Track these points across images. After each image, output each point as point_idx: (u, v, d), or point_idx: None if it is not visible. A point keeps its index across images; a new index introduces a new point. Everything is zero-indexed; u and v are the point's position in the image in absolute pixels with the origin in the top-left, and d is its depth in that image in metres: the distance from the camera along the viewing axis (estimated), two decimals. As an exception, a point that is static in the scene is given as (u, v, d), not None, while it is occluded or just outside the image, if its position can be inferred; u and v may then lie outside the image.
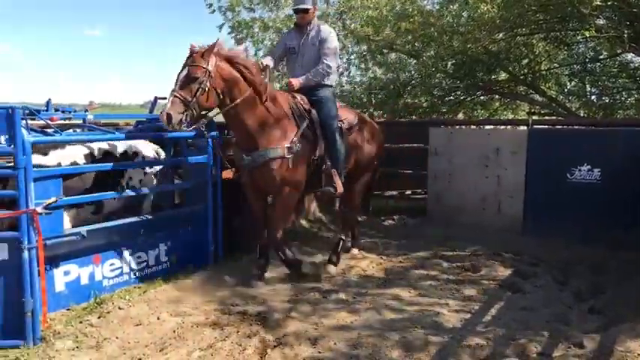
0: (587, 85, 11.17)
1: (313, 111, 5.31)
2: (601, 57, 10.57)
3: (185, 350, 3.84)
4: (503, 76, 11.29)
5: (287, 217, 5.48)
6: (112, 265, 4.82)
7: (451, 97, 11.54)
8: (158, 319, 4.35)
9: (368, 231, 7.55)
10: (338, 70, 5.60)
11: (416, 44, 10.33)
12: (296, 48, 5.50)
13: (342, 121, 5.57)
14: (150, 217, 5.23)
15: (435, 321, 4.42)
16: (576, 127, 8.09)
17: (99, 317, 4.28)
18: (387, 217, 8.26)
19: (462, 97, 11.62)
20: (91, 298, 4.59)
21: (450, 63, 10.27)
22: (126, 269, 4.94)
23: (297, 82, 5.37)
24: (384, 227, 7.88)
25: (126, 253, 4.93)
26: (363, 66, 11.78)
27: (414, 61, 10.76)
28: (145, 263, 5.12)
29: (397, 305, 4.80)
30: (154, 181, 5.53)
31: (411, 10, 9.58)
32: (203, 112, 4.79)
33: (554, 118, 10.41)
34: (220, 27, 11.69)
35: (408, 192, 8.81)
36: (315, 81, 5.39)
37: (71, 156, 4.79)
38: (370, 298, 4.97)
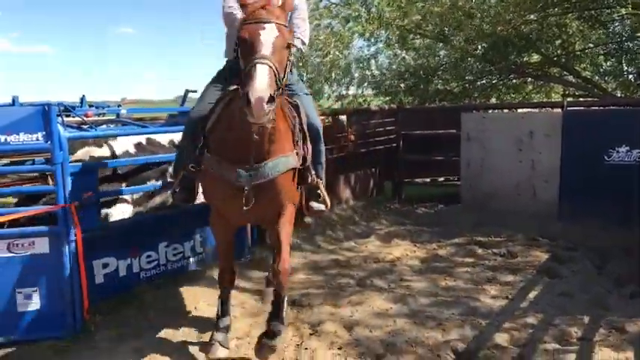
0: (624, 65, 10.83)
1: (299, 104, 3.72)
2: (638, 35, 10.24)
3: (223, 339, 3.88)
4: (535, 57, 11.07)
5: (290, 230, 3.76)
6: (148, 257, 4.89)
7: (483, 81, 11.37)
8: (195, 308, 4.42)
9: (401, 218, 7.52)
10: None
11: (445, 28, 10.18)
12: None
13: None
14: (183, 210, 5.28)
15: (471, 307, 4.39)
16: (613, 107, 7.88)
17: (137, 308, 4.36)
18: (419, 204, 8.20)
19: (493, 81, 11.43)
20: (129, 290, 4.67)
21: (480, 46, 10.10)
22: (162, 260, 5.01)
23: None
24: (417, 214, 7.83)
25: (162, 245, 4.99)
26: (391, 52, 11.67)
27: (443, 45, 10.61)
28: (181, 254, 5.18)
29: (433, 292, 4.78)
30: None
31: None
32: None
33: (589, 99, 10.15)
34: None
35: (441, 179, 8.75)
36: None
37: (123, 146, 4.89)
38: (405, 284, 4.96)
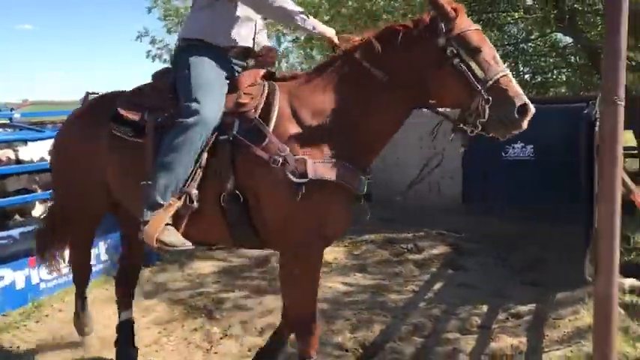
0: (520, 65, 11.48)
1: None
2: (532, 37, 10.88)
3: (129, 348, 3.78)
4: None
5: None
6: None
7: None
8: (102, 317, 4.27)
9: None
10: None
11: (353, 29, 10.36)
12: None
13: None
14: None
15: (379, 302, 4.51)
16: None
17: (37, 321, 4.17)
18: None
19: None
20: (28, 302, 4.45)
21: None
22: (64, 270, 4.79)
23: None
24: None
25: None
26: (301, 52, 11.78)
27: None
28: (85, 263, 4.99)
29: (343, 289, 4.87)
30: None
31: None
32: None
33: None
34: (149, 10, 11.46)
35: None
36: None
37: (35, 152, 4.65)
38: (316, 283, 5.01)
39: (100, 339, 3.84)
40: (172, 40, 13.09)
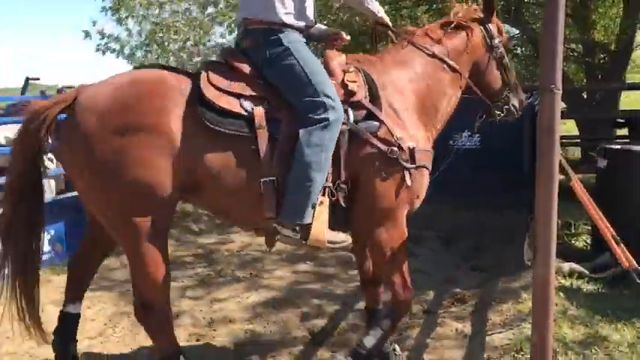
0: (469, 55, 11.68)
1: None
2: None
3: (72, 340, 3.69)
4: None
5: None
6: (-12, 259, 4.52)
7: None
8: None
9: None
10: None
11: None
12: None
13: None
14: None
15: (329, 290, 4.54)
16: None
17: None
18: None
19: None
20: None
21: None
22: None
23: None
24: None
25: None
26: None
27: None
28: (27, 254, 4.84)
29: (294, 278, 4.88)
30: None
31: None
32: None
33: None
34: (103, 9, 11.07)
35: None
36: None
37: None
38: (267, 273, 5.02)
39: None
40: (121, 31, 12.76)
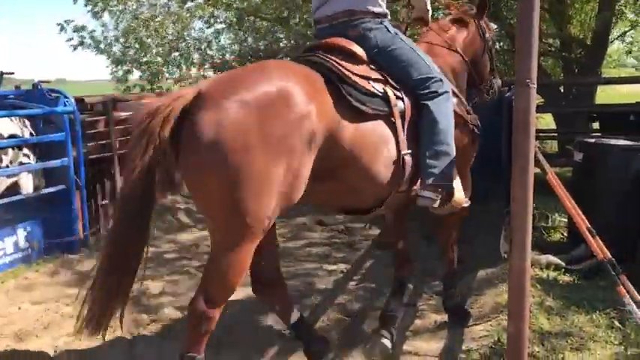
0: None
1: None
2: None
3: (50, 338, 3.65)
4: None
5: None
6: (-38, 255, 4.46)
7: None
8: (19, 308, 4.10)
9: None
10: None
11: (285, 11, 10.31)
12: None
13: None
14: (4, 201, 4.86)
15: (309, 283, 4.55)
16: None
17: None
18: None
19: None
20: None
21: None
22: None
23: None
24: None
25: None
26: (232, 34, 11.61)
27: (283, 28, 10.76)
28: (2, 251, 4.78)
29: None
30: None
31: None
32: None
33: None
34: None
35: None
36: None
37: None
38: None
39: (16, 332, 3.70)
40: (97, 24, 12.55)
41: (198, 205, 2.82)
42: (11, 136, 4.89)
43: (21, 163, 5.00)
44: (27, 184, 5.14)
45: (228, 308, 2.77)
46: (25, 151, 5.11)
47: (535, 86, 2.20)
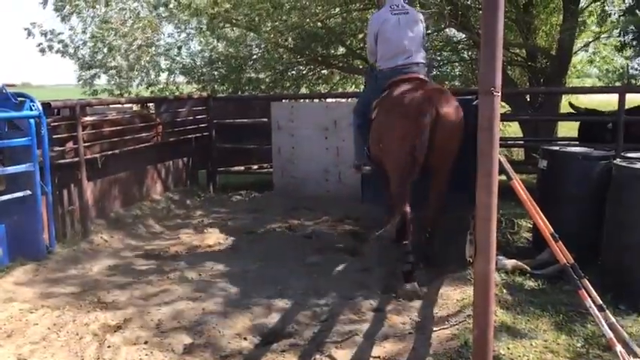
0: (418, 58, 11.88)
1: None
2: (428, 32, 11.29)
3: (14, 346, 3.58)
4: (341, 50, 11.66)
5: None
6: None
7: (293, 72, 11.72)
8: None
9: (215, 207, 7.53)
10: (374, 53, 5.28)
11: (256, 18, 10.30)
12: None
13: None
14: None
15: (278, 289, 4.54)
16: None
17: None
18: (234, 192, 8.26)
19: (303, 72, 11.85)
20: None
21: (290, 37, 10.40)
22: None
23: None
24: (232, 202, 7.88)
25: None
26: (202, 39, 11.55)
27: (254, 35, 10.76)
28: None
29: (242, 277, 4.86)
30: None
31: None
32: None
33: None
34: (44, 3, 10.68)
35: (255, 167, 8.90)
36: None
37: None
38: (216, 272, 4.99)
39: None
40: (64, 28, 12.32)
41: (441, 159, 4.67)
42: None
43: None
44: None
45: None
46: None
47: (499, 94, 2.26)
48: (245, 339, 3.71)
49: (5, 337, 3.69)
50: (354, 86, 12.91)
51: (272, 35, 9.92)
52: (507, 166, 3.55)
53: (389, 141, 4.74)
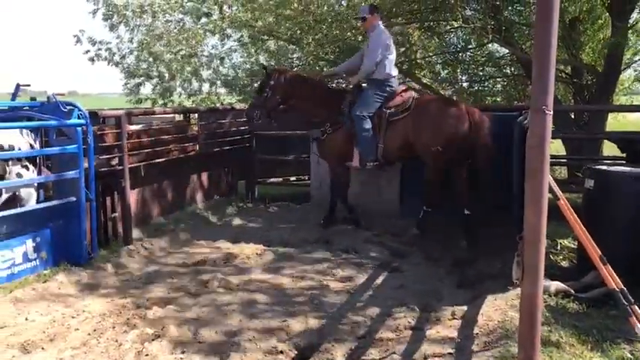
0: (459, 73, 11.80)
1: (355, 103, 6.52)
2: (470, 47, 11.20)
3: (56, 350, 3.64)
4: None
5: (333, 178, 7.08)
6: (-29, 264, 4.47)
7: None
8: (26, 319, 4.10)
9: (253, 217, 7.56)
10: (378, 65, 6.38)
11: (298, 31, 10.39)
12: (364, 51, 6.59)
13: (390, 107, 6.40)
14: (14, 212, 4.88)
15: (315, 302, 4.52)
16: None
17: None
18: (272, 203, 8.29)
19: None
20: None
21: (330, 50, 10.44)
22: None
23: (353, 81, 6.80)
24: (270, 213, 7.90)
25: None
26: (245, 52, 11.71)
27: (295, 48, 10.84)
28: (12, 261, 4.79)
29: (280, 289, 4.86)
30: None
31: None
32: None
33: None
34: (94, 13, 11.03)
35: (293, 178, 8.92)
36: (361, 78, 6.56)
37: None
38: (254, 283, 5.00)
39: (22, 342, 3.69)
40: (112, 37, 12.76)
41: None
42: (11, 148, 4.97)
43: (19, 175, 5.04)
44: (29, 195, 5.18)
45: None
46: (25, 162, 5.15)
47: (551, 112, 2.21)
48: (281, 352, 3.69)
49: (48, 341, 3.75)
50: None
51: (312, 48, 9.97)
52: (554, 186, 3.46)
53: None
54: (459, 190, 6.29)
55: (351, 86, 6.86)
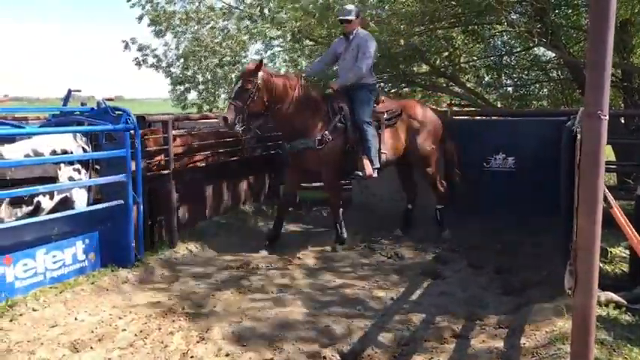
0: (503, 78, 11.59)
1: (345, 107, 6.19)
2: (515, 51, 10.99)
3: (104, 350, 3.72)
4: (424, 68, 11.54)
5: (332, 192, 6.58)
6: (25, 265, 4.60)
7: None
8: (75, 319, 4.21)
9: (294, 222, 7.58)
10: (371, 71, 6.36)
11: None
12: (342, 54, 6.35)
13: (383, 112, 6.36)
14: (65, 214, 5.02)
15: (358, 308, 4.51)
16: (493, 117, 8.42)
17: (10, 320, 4.08)
18: (314, 207, 8.30)
19: (385, 89, 11.79)
20: (2, 301, 4.36)
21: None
22: (40, 269, 4.73)
23: (335, 85, 6.37)
24: (311, 218, 7.92)
25: (40, 252, 4.72)
26: (287, 57, 11.78)
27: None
28: (62, 262, 4.93)
29: (323, 293, 4.86)
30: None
31: (332, 1, 9.58)
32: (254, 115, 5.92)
33: (472, 109, 10.75)
34: (140, 18, 11.30)
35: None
36: (350, 82, 6.17)
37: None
38: (296, 287, 5.02)
39: (72, 342, 3.79)
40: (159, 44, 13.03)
41: None
42: (64, 152, 5.11)
43: (70, 178, 5.18)
44: (79, 198, 5.31)
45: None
46: (76, 166, 5.29)
47: (607, 117, 2.14)
48: (324, 358, 3.68)
49: (96, 341, 3.84)
50: (435, 105, 12.73)
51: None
52: (608, 194, 3.35)
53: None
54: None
55: (330, 90, 6.42)
